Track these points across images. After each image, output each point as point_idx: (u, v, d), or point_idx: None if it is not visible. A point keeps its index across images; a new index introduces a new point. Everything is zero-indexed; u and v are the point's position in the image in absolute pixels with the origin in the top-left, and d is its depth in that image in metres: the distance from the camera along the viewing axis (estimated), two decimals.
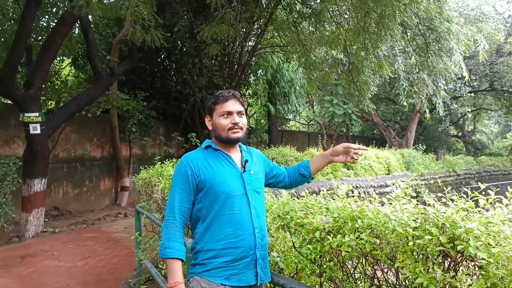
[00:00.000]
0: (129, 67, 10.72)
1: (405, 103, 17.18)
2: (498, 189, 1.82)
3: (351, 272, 2.24)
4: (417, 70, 13.37)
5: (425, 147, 22.25)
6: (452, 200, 1.84)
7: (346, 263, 2.27)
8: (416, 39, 10.69)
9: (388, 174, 15.19)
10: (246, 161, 2.34)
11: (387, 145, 22.19)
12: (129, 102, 11.49)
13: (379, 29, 8.88)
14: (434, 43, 10.37)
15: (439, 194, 2.12)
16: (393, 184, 14.15)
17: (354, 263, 2.23)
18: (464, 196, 1.88)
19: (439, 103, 16.37)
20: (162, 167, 5.14)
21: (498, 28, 21.96)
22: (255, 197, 2.27)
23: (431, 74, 12.74)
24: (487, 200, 1.76)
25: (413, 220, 1.85)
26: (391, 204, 2.08)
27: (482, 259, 1.51)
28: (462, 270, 1.68)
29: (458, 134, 33.89)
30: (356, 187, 11.94)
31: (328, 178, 11.72)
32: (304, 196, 2.63)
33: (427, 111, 17.60)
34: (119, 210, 12.01)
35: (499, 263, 1.47)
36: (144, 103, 12.60)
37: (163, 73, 14.93)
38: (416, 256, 1.80)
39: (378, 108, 25.33)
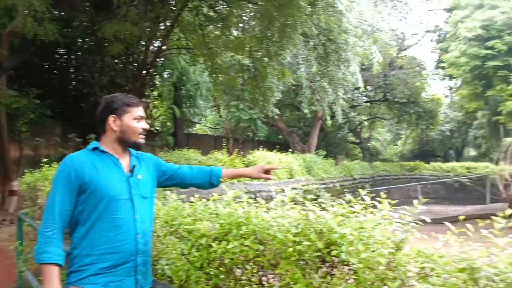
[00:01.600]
0: (19, 61, 9.91)
1: (306, 110, 17.87)
2: (386, 193, 1.91)
3: (238, 279, 2.22)
4: (319, 78, 13.98)
5: (325, 152, 23.31)
6: (333, 206, 1.89)
7: (234, 270, 2.25)
8: (317, 48, 11.18)
9: (291, 178, 15.66)
10: (134, 166, 2.27)
11: (290, 150, 22.91)
12: (18, 100, 10.60)
13: (281, 37, 9.16)
14: (333, 53, 10.93)
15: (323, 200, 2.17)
16: (294, 188, 14.64)
17: (242, 270, 2.21)
18: (343, 202, 1.94)
19: (338, 111, 17.26)
20: (50, 170, 4.78)
21: (391, 43, 23.80)
22: (141, 202, 2.21)
23: (331, 83, 13.38)
24: (363, 205, 1.83)
25: (294, 226, 1.87)
26: (275, 209, 2.10)
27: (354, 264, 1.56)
28: (338, 275, 1.73)
29: (356, 141, 36.02)
30: (259, 191, 12.13)
31: (232, 182, 11.77)
32: (194, 202, 2.57)
33: (328, 118, 18.48)
34: (5, 217, 10.99)
35: (368, 268, 1.52)
36: (37, 101, 11.69)
37: (61, 70, 14.02)
38: (297, 262, 1.82)
39: (283, 114, 26.08)
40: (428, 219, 1.76)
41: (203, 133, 29.70)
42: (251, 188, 11.49)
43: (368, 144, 35.73)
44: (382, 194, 1.80)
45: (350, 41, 10.70)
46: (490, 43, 16.71)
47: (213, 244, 2.07)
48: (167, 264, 2.57)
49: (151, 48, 13.34)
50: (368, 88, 26.03)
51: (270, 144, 28.67)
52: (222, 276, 2.18)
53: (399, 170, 27.54)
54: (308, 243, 1.72)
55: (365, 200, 1.82)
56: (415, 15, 59.57)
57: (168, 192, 3.06)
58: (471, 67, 17.39)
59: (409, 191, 26.43)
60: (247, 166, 12.50)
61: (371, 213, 1.76)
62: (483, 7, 17.69)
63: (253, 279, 2.19)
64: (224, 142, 17.99)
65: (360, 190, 2.04)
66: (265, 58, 10.53)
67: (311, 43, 11.14)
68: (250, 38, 10.38)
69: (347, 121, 26.74)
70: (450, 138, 34.12)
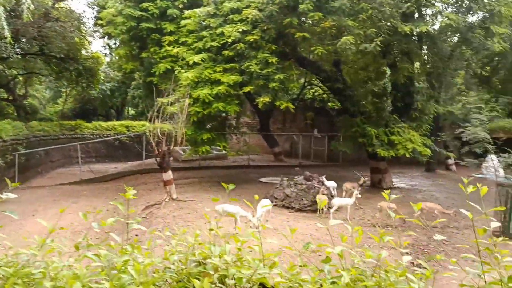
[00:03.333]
0: None
1: None
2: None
3: None
4: None
5: None
6: None
7: None
8: None
9: None
10: None
11: None
12: None
13: None
14: None
15: None
16: None
17: None
18: None
19: None
20: None
21: None
22: None
23: None
24: None
25: None
26: None
27: None
28: None
29: (9, 98, 32.09)
30: None
31: None
32: None
33: None
34: None
35: None
36: None
37: None
38: None
39: None
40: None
41: None
42: None
43: (24, 102, 32.46)
44: None
45: None
46: (144, 5, 17.25)
47: None
48: None
49: None
50: (22, 39, 23.26)
51: None
52: None
53: (59, 130, 26.25)
54: None
55: None
56: None
57: None
58: (128, 28, 17.57)
59: (70, 151, 25.63)
60: None
61: None
62: None
63: None
64: None
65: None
66: None
67: None
68: None
69: None
70: (111, 98, 34.80)
